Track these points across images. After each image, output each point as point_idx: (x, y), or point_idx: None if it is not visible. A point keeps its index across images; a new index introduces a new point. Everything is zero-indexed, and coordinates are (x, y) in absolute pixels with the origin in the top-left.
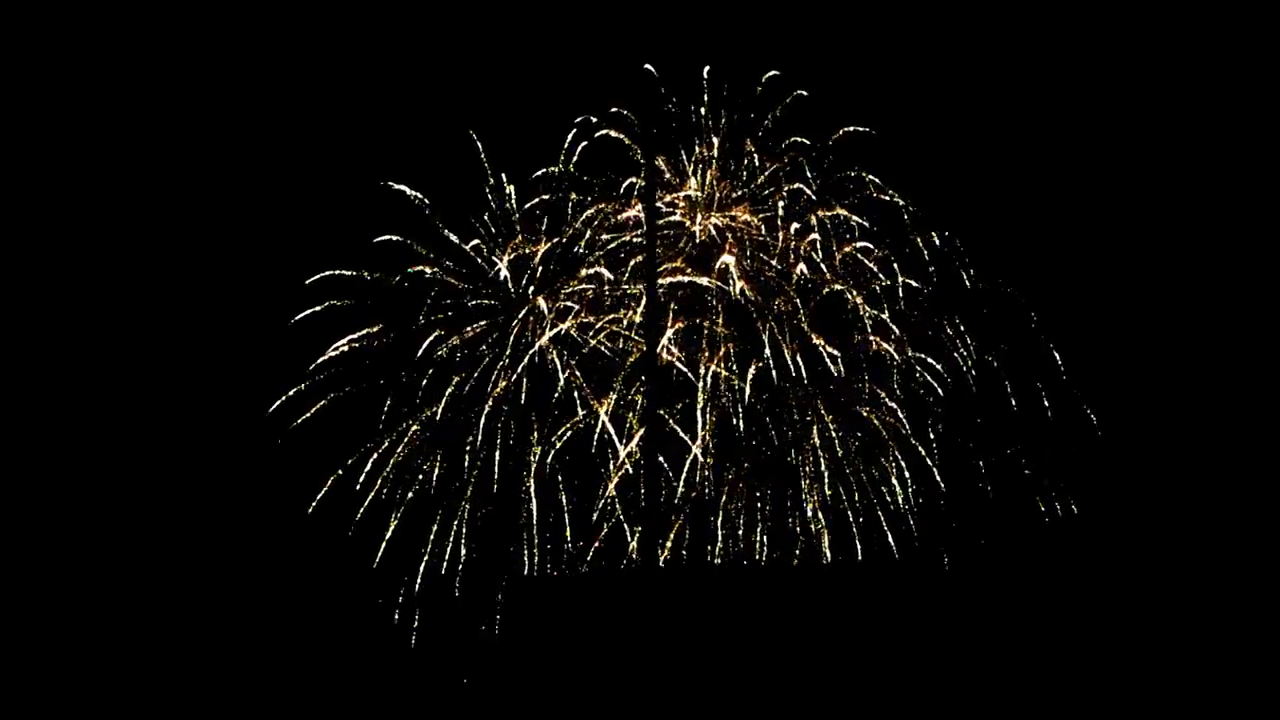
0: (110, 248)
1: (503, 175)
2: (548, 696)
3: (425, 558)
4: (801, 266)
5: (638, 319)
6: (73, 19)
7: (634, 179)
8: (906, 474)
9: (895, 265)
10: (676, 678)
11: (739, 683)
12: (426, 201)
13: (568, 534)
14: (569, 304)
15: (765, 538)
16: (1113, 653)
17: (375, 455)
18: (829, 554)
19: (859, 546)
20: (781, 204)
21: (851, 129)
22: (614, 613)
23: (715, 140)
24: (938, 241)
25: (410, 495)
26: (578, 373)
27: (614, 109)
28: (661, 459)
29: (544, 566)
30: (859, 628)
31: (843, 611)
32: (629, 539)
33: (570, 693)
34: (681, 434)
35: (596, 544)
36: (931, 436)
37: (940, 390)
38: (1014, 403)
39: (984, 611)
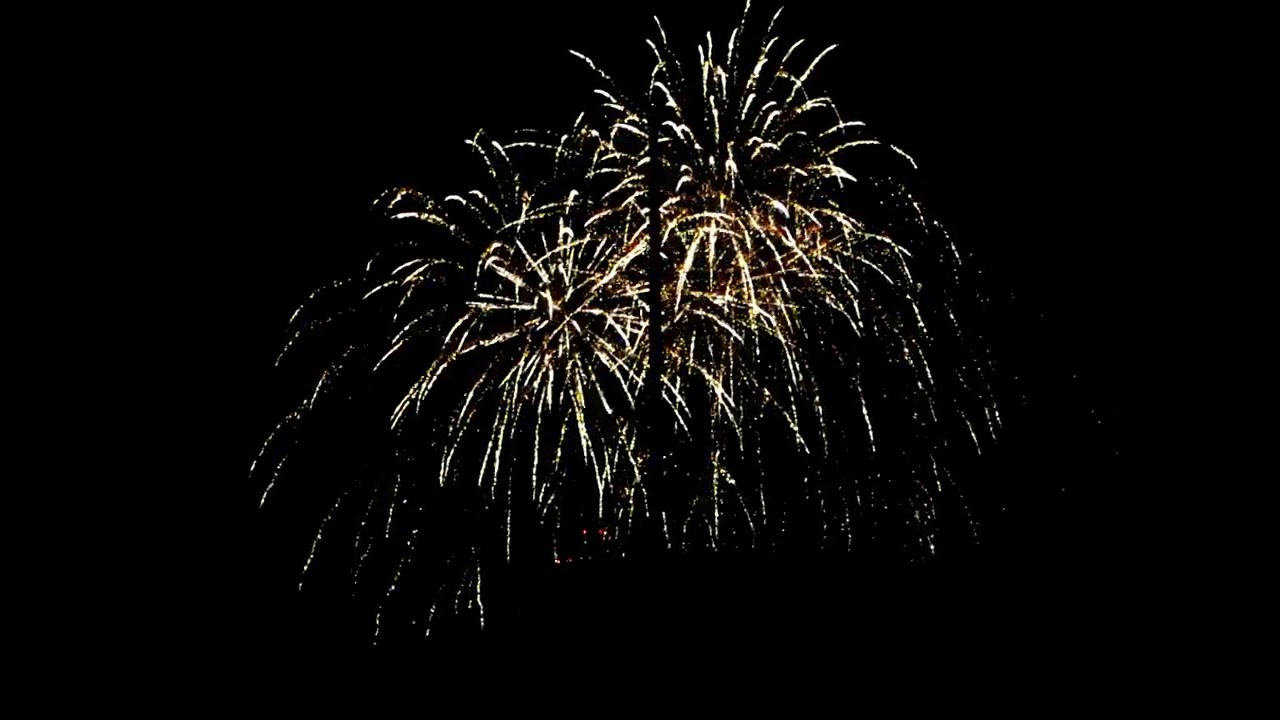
0: (93, 258)
1: (516, 176)
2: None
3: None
4: (817, 273)
5: (645, 322)
6: (56, 25)
7: (640, 178)
8: (918, 480)
9: (910, 271)
10: (688, 660)
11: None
12: (436, 204)
13: (585, 529)
14: (586, 311)
15: (781, 533)
16: (1114, 650)
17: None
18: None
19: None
20: (798, 209)
21: (870, 136)
22: (632, 598)
23: (729, 148)
24: (953, 240)
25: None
26: (595, 379)
27: (624, 110)
28: (677, 465)
29: (565, 557)
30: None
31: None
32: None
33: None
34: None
35: (606, 535)
36: (946, 443)
37: (956, 401)
38: (1023, 404)
39: (990, 611)
